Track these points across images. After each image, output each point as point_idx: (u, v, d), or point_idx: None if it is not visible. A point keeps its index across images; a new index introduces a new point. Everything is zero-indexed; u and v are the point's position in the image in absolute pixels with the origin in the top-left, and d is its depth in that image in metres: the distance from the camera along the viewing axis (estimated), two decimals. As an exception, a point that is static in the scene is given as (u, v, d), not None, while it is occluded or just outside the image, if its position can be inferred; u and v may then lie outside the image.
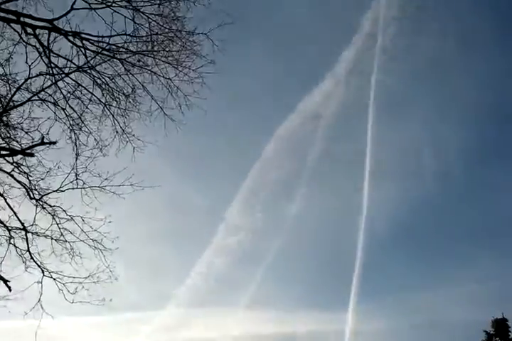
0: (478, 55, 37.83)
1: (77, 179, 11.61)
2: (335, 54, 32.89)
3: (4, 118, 10.82)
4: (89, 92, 12.06)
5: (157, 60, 12.30)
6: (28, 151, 11.02)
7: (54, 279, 11.73)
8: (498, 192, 40.81)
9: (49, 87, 11.16)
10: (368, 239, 35.76)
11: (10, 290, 11.36)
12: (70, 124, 11.62)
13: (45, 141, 10.90)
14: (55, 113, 11.45)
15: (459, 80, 37.95)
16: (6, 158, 10.96)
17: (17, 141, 11.21)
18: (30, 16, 10.92)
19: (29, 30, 10.99)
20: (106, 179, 11.71)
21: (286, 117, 34.05)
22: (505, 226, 40.75)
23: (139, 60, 12.20)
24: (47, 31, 11.10)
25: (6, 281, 11.30)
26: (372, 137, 34.02)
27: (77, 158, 11.60)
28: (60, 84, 11.43)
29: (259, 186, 35.91)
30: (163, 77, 12.42)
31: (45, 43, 11.08)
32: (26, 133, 11.04)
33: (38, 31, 11.04)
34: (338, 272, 40.90)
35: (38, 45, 11.09)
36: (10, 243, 11.53)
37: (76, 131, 11.67)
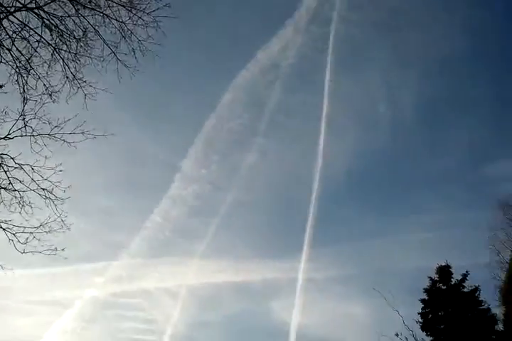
0: (438, 8, 37.90)
1: (25, 126, 11.16)
2: (295, 1, 32.25)
3: None
4: (38, 34, 11.48)
5: (110, 2, 11.77)
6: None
7: (4, 229, 11.43)
8: (449, 143, 42.12)
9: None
10: (323, 188, 36.49)
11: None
12: (17, 67, 11.06)
13: (-10, 83, 10.36)
14: (0, 55, 10.84)
15: (419, 33, 38.10)
16: None
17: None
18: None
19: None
20: (56, 126, 11.30)
21: (244, 66, 33.52)
22: (455, 175, 42.41)
23: (90, 1, 11.60)
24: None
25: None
26: (330, 88, 34.05)
27: (25, 104, 11.11)
28: (5, 23, 10.76)
29: (215, 136, 35.68)
30: (116, 20, 11.93)
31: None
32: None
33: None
34: (292, 221, 41.83)
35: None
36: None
37: (24, 75, 11.14)
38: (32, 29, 11.38)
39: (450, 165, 42.02)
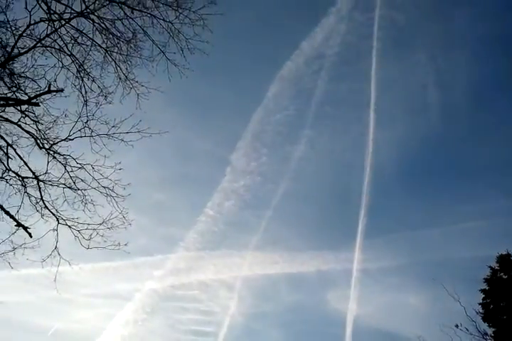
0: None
1: (84, 127, 11.63)
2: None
3: (9, 67, 10.70)
4: (90, 38, 11.88)
5: (156, 3, 12.02)
6: (34, 101, 10.97)
7: (69, 227, 11.96)
8: (505, 128, 40.51)
9: (51, 33, 10.95)
10: (374, 178, 35.93)
11: (30, 236, 11.65)
12: (77, 70, 11.53)
13: (52, 88, 10.84)
14: (59, 60, 11.34)
15: (466, 14, 36.86)
16: (13, 107, 10.92)
17: (23, 91, 11.16)
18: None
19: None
20: (113, 126, 11.72)
21: (288, 57, 33.34)
22: (507, 164, 40.82)
23: (138, 3, 11.92)
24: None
25: (26, 228, 11.57)
26: (377, 75, 33.40)
27: (84, 105, 11.58)
28: (61, 31, 11.24)
29: (263, 129, 35.79)
30: (164, 20, 12.18)
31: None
32: (33, 80, 10.95)
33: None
34: (344, 212, 41.43)
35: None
36: (25, 192, 11.72)
37: (83, 78, 11.59)
38: (85, 34, 11.81)
39: (505, 150, 40.40)
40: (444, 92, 39.32)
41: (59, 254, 11.94)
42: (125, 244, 11.95)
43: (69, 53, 11.31)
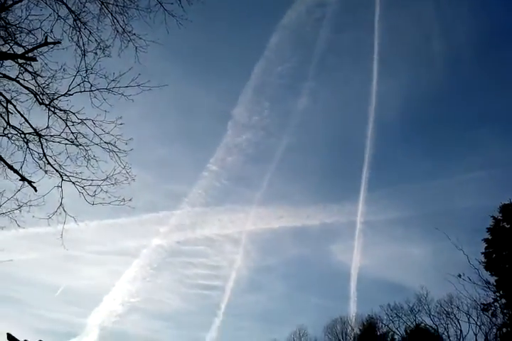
0: None
1: (84, 81, 11.41)
2: None
3: (2, 17, 10.38)
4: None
5: (153, -48, 11.55)
6: (30, 55, 10.73)
7: (73, 183, 11.96)
8: (510, 78, 39.87)
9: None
10: (377, 129, 35.93)
11: (35, 190, 11.67)
12: (73, 21, 11.20)
13: (49, 40, 10.57)
14: (55, 11, 11.02)
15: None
16: (12, 60, 10.67)
17: (20, 44, 10.89)
18: None
19: None
20: (113, 80, 11.48)
21: (290, 6, 32.51)
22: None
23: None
24: None
25: (30, 182, 11.57)
26: (380, 25, 32.85)
27: (82, 58, 11.32)
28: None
29: (264, 82, 35.39)
30: (162, -31, 11.74)
31: None
32: (29, 32, 10.66)
33: None
34: (348, 165, 41.65)
35: None
36: (27, 148, 11.65)
37: (81, 29, 11.28)
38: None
39: (509, 99, 39.97)
40: (448, 42, 38.67)
41: (64, 211, 12.00)
42: (129, 200, 11.97)
43: (64, 2, 10.97)
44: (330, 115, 40.50)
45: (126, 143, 11.85)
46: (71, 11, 11.08)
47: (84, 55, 11.31)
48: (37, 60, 11.16)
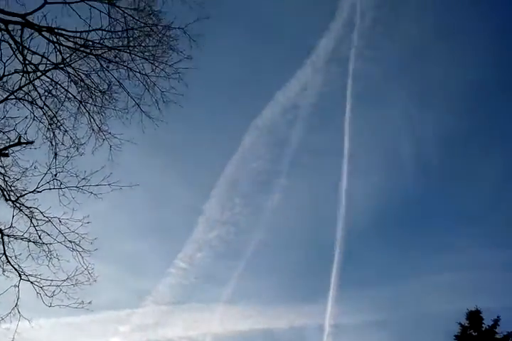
0: (457, 44, 38.15)
1: (54, 179, 11.33)
2: (313, 41, 32.73)
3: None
4: (65, 89, 11.79)
5: (133, 56, 12.10)
6: (3, 152, 10.68)
7: (31, 283, 11.45)
8: (476, 181, 41.37)
9: (25, 85, 10.82)
10: (347, 230, 35.93)
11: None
12: (49, 123, 11.34)
13: (22, 140, 10.61)
14: (32, 112, 11.17)
15: (438, 69, 38.16)
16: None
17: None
18: (1, 11, 10.54)
19: (1, 25, 10.60)
20: (83, 179, 11.45)
21: (264, 107, 33.84)
22: (482, 215, 41.41)
23: (115, 56, 11.95)
24: (20, 26, 10.73)
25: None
26: (351, 127, 34.08)
27: (54, 158, 11.32)
28: (37, 83, 11.13)
29: (237, 178, 35.71)
30: (140, 72, 12.24)
31: (19, 39, 10.72)
32: (3, 133, 10.72)
33: (10, 27, 10.66)
34: (317, 264, 41.07)
35: (11, 42, 10.72)
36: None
37: (54, 130, 11.40)
38: (60, 85, 11.72)
39: (479, 201, 41.19)
40: (417, 145, 40.28)
41: (19, 312, 11.39)
42: (89, 302, 11.47)
43: (41, 106, 11.17)
44: (301, 213, 40.70)
45: (91, 243, 11.57)
46: (47, 112, 11.27)
47: (56, 154, 11.36)
48: (9, 156, 11.12)
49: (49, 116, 11.31)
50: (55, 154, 11.27)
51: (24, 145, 10.68)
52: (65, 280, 11.44)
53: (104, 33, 11.65)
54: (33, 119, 11.06)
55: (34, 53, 10.92)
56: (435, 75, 38.55)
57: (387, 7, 32.93)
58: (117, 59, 12.08)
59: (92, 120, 12.06)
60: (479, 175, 41.13)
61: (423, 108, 39.66)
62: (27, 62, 10.93)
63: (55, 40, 11.22)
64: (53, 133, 11.40)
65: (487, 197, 40.94)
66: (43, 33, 10.95)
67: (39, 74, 10.95)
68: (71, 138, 11.79)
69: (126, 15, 11.72)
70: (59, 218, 11.34)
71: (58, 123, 11.44)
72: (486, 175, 40.63)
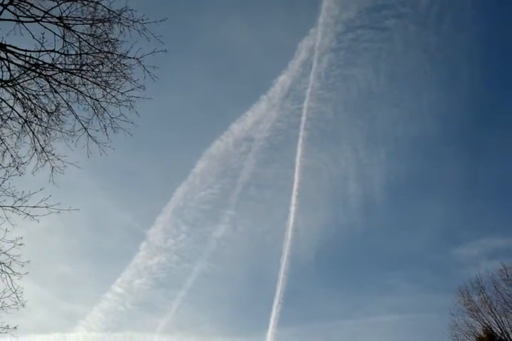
0: (406, 89, 40.00)
1: (-12, 198, 10.99)
2: (271, 78, 33.61)
3: None
4: (9, 106, 11.63)
5: (85, 80, 12.10)
6: None
7: (-48, 305, 10.91)
8: (418, 222, 42.73)
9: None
10: (291, 264, 36.20)
11: None
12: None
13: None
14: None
15: (388, 113, 39.87)
16: None
17: None
18: None
19: None
20: (20, 199, 11.15)
21: (218, 137, 34.24)
22: (423, 256, 42.62)
23: (65, 79, 11.91)
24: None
25: None
26: (302, 163, 34.89)
27: (-9, 177, 11.00)
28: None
29: (185, 206, 35.44)
30: (90, 97, 12.25)
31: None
32: None
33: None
34: (259, 297, 40.94)
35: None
36: None
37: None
38: (5, 101, 11.56)
39: (419, 245, 42.55)
40: (363, 185, 41.45)
41: None
42: (14, 328, 11.01)
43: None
44: (247, 245, 40.74)
45: (23, 265, 11.18)
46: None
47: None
48: None
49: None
50: (-8, 173, 11.00)
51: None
52: (-10, 304, 10.96)
53: (57, 55, 11.65)
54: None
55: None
56: (384, 120, 40.27)
57: (343, 51, 34.47)
58: (68, 82, 12.05)
59: (35, 140, 11.91)
60: (420, 219, 42.55)
61: (371, 150, 41.15)
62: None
63: (5, 57, 11.14)
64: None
65: (427, 241, 42.30)
66: (-7, 49, 10.85)
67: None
68: (12, 156, 11.59)
69: (81, 40, 11.79)
70: (-10, 238, 10.96)
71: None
72: (427, 219, 42.07)
